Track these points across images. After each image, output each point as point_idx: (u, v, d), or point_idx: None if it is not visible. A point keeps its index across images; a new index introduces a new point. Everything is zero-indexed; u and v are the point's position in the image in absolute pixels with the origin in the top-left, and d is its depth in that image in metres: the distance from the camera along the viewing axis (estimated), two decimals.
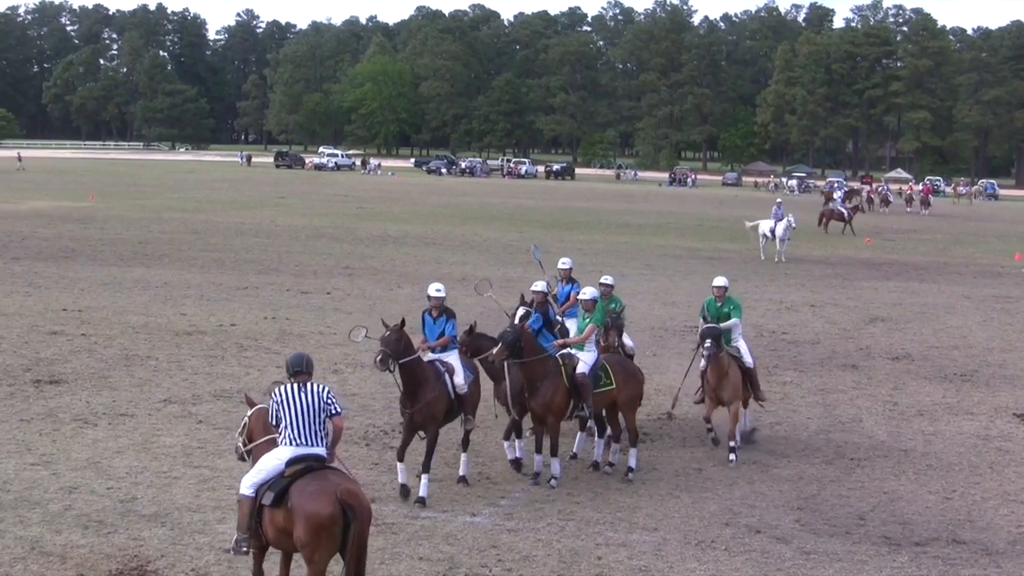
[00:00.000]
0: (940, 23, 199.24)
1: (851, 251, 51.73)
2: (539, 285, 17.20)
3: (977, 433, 18.84)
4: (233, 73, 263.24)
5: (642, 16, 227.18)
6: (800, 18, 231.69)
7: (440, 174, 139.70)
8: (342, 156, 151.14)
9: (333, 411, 10.82)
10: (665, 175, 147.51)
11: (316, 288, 32.96)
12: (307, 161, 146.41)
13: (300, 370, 10.85)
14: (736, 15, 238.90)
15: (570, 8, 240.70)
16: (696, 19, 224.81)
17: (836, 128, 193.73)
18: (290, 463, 10.41)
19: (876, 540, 13.54)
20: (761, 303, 33.58)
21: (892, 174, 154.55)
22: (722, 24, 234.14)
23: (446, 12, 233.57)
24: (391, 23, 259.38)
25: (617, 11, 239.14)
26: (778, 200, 54.36)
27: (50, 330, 24.67)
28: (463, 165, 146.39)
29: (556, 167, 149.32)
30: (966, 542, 13.59)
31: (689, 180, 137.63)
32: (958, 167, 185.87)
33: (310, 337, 24.96)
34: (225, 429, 17.22)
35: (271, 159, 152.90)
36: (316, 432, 10.61)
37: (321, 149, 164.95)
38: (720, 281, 18.17)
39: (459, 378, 14.96)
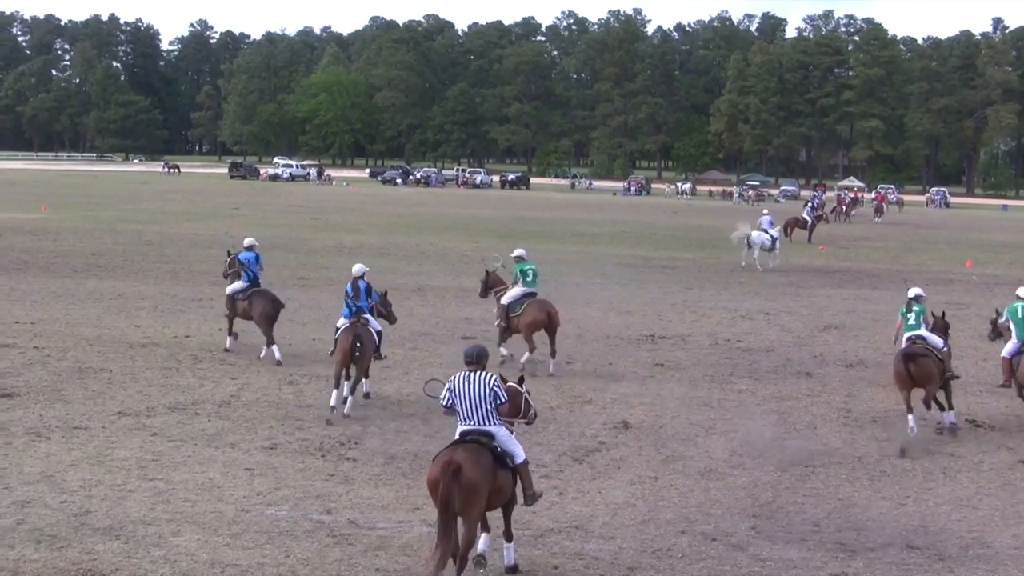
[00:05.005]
0: (891, 33, 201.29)
1: (805, 259, 52.02)
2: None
3: (930, 439, 18.98)
4: (187, 84, 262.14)
5: (596, 26, 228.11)
6: (753, 28, 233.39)
7: (395, 184, 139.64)
8: (297, 167, 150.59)
9: (499, 401, 12.20)
10: (620, 184, 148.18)
11: None
12: (262, 172, 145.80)
13: (472, 360, 12.32)
14: (689, 25, 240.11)
15: (524, 18, 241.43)
16: (649, 29, 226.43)
17: (789, 137, 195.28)
18: (461, 435, 12.10)
19: (831, 546, 13.62)
20: (716, 311, 33.73)
21: (845, 182, 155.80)
22: (675, 34, 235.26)
23: (400, 22, 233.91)
24: (345, 33, 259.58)
25: (571, 21, 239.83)
26: (764, 211, 54.49)
27: (2, 343, 24.44)
28: (418, 175, 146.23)
29: (511, 177, 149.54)
30: (920, 547, 13.69)
31: (632, 189, 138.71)
32: (910, 175, 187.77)
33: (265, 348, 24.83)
34: (180, 441, 17.14)
35: (225, 169, 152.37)
36: (485, 413, 12.09)
37: (276, 160, 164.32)
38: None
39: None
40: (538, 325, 23.31)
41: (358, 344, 19.37)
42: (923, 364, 19.12)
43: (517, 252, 24.87)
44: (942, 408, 19.74)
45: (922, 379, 19.11)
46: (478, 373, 12.24)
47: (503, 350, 23.87)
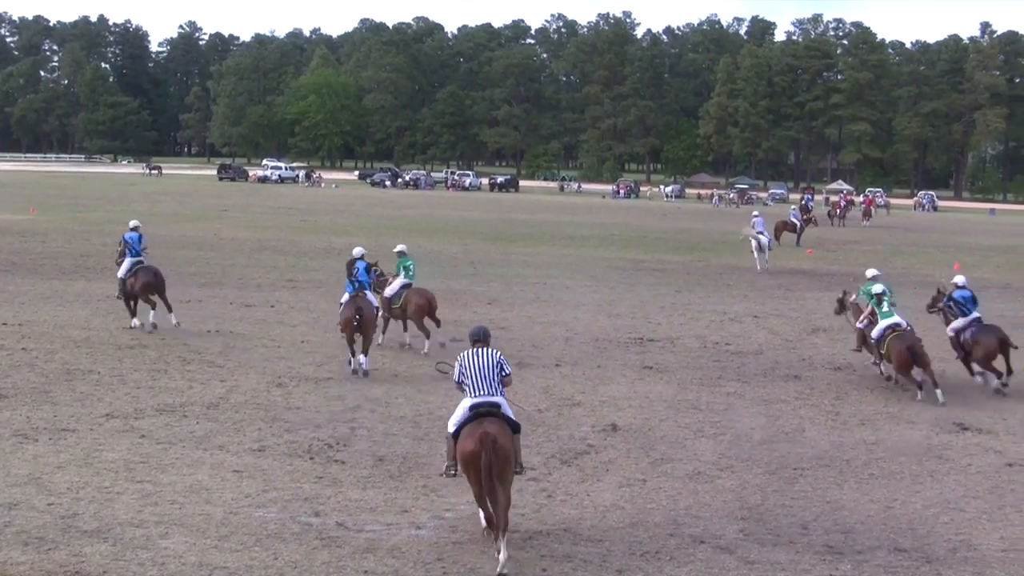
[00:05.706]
0: (879, 37, 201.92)
1: (793, 262, 52.06)
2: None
3: (918, 442, 19.00)
4: (176, 85, 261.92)
5: (585, 29, 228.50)
6: (742, 31, 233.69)
7: (384, 187, 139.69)
8: (286, 168, 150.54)
9: (503, 372, 13.29)
10: (609, 187, 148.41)
11: (260, 301, 32.78)
12: (251, 174, 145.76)
13: (478, 339, 13.53)
14: (679, 28, 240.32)
15: (514, 21, 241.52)
16: (639, 32, 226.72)
17: (778, 140, 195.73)
18: (472, 408, 12.97)
19: (819, 549, 13.62)
20: (704, 314, 33.74)
21: (833, 185, 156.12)
22: (665, 37, 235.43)
23: (390, 24, 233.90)
24: (335, 35, 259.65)
25: (560, 24, 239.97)
26: (755, 213, 54.55)
27: None
28: (407, 177, 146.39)
29: (500, 179, 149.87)
30: (907, 550, 13.70)
31: (621, 191, 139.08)
32: (898, 178, 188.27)
33: (254, 351, 24.81)
34: (168, 443, 17.09)
35: (214, 171, 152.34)
36: (492, 384, 13.09)
37: (265, 161, 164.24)
38: None
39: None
40: (423, 310, 25.77)
41: (358, 316, 22.29)
42: (921, 350, 22.35)
43: (399, 248, 27.32)
44: (930, 380, 22.38)
45: (923, 360, 22.30)
46: (485, 349, 13.39)
47: (379, 339, 25.94)
